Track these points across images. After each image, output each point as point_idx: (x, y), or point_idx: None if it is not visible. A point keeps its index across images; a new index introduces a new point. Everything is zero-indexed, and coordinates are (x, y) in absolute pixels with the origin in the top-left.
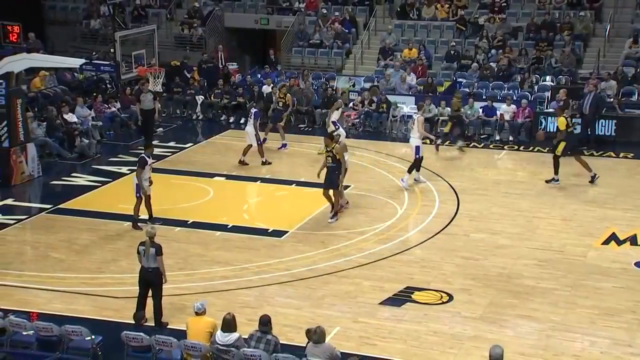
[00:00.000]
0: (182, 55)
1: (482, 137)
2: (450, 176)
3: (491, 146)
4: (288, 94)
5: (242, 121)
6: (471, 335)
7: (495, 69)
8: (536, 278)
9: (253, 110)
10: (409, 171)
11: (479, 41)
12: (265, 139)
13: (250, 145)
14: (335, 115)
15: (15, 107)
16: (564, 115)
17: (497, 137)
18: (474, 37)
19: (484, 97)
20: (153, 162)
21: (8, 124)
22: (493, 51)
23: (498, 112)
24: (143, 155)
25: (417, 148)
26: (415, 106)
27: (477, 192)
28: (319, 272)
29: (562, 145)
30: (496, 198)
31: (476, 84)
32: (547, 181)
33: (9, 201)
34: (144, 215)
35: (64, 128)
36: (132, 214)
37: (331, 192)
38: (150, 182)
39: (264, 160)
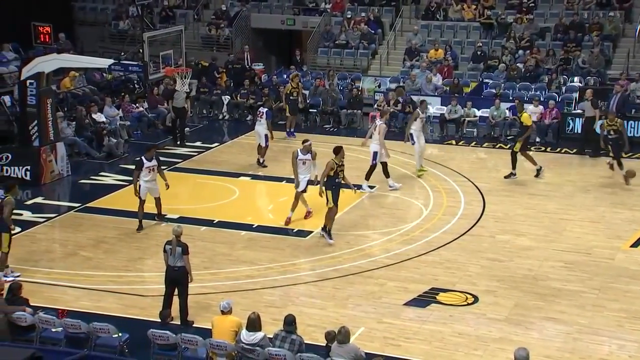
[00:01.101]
0: (211, 56)
1: (508, 138)
2: (476, 177)
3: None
4: (300, 83)
5: (248, 118)
6: (496, 337)
7: (523, 70)
8: (563, 280)
9: (264, 109)
10: (367, 178)
11: (506, 42)
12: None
13: (267, 147)
14: (415, 126)
15: (45, 106)
16: (526, 111)
17: None
18: (501, 38)
19: (511, 98)
20: (154, 166)
21: (38, 123)
22: (520, 52)
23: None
24: (141, 157)
25: (375, 154)
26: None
27: (503, 193)
28: (343, 273)
29: (520, 142)
30: (522, 199)
31: (503, 84)
32: (505, 177)
33: (39, 199)
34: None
35: (93, 128)
36: (141, 218)
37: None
38: (167, 186)
39: (262, 161)
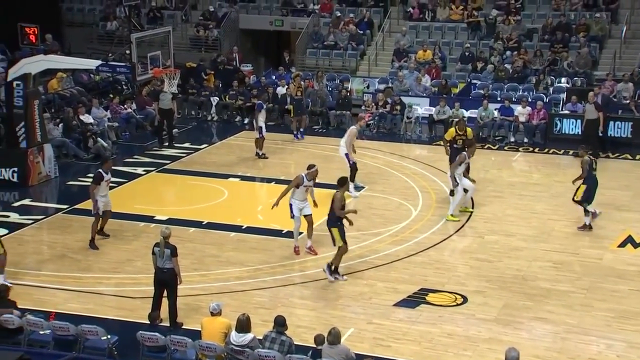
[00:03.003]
0: (199, 57)
1: (496, 138)
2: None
3: (506, 148)
4: (302, 83)
5: (246, 121)
6: (486, 338)
7: (510, 71)
8: (551, 280)
9: (257, 101)
10: (352, 180)
11: (494, 43)
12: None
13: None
14: (460, 170)
15: (32, 108)
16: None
17: (512, 139)
18: (489, 39)
19: (499, 98)
20: (110, 179)
21: (25, 124)
22: (508, 53)
23: (513, 114)
24: (100, 170)
25: (347, 155)
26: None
27: (492, 194)
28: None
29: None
30: (511, 200)
31: (491, 85)
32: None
33: (26, 201)
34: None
35: (80, 129)
36: (93, 235)
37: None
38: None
39: (260, 154)
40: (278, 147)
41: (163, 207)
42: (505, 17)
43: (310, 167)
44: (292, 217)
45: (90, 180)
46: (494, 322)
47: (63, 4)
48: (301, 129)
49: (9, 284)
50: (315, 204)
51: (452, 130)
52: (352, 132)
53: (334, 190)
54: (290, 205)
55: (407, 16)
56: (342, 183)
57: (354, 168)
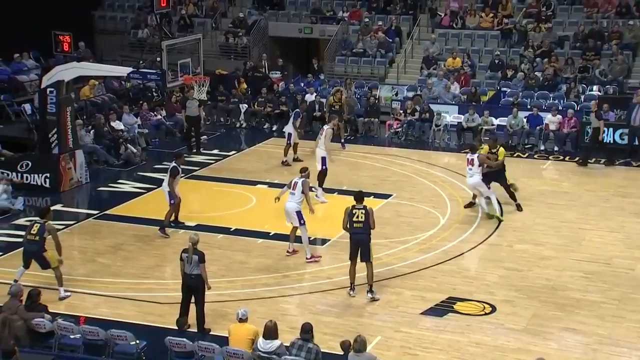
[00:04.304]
0: (229, 65)
1: (526, 147)
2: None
3: (535, 156)
4: (344, 97)
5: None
6: (514, 348)
7: (541, 79)
8: (582, 290)
9: (295, 110)
10: (320, 185)
11: (524, 50)
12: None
13: (289, 145)
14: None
15: (65, 114)
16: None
17: (542, 147)
18: (519, 46)
19: (529, 106)
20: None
21: (58, 131)
22: (538, 60)
23: (543, 122)
24: (175, 165)
25: (323, 159)
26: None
27: (521, 203)
28: (360, 281)
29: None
30: (540, 209)
31: (521, 93)
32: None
33: (58, 207)
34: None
35: (111, 135)
36: (168, 222)
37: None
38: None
39: (285, 161)
40: (306, 154)
41: (191, 213)
42: (536, 25)
43: (303, 170)
44: (303, 223)
45: (167, 178)
46: (523, 332)
47: (96, 12)
48: (342, 140)
49: (65, 294)
50: (312, 210)
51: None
52: (327, 132)
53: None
54: (299, 212)
55: (436, 24)
56: (357, 198)
57: (324, 173)
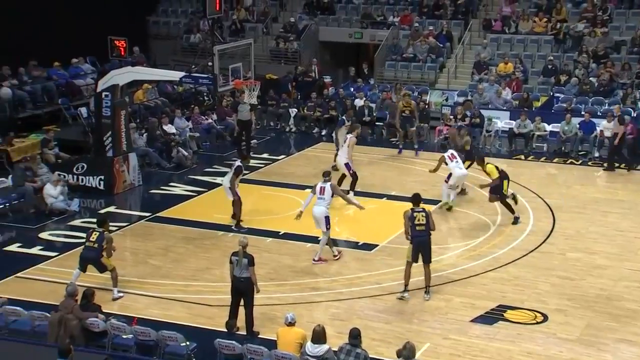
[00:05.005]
0: (279, 69)
1: (580, 153)
2: (545, 193)
3: (589, 163)
4: (412, 101)
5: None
6: (567, 358)
7: (596, 84)
8: (638, 301)
9: (340, 118)
10: (352, 189)
11: (579, 55)
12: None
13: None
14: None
15: (119, 118)
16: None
17: (596, 154)
18: (573, 52)
19: (583, 112)
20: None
21: (112, 134)
22: (593, 65)
23: (598, 129)
24: (239, 164)
25: (347, 165)
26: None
27: (574, 210)
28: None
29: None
30: (594, 217)
31: (575, 99)
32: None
33: (112, 209)
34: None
35: (163, 139)
36: (234, 219)
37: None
38: None
39: (334, 165)
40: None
41: (241, 216)
42: (592, 29)
43: (326, 174)
44: (329, 229)
45: (231, 175)
46: (576, 343)
47: (150, 17)
48: (415, 145)
49: (118, 295)
50: (361, 206)
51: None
52: (351, 141)
53: (406, 204)
54: (328, 217)
55: (488, 28)
56: (414, 201)
57: (355, 177)
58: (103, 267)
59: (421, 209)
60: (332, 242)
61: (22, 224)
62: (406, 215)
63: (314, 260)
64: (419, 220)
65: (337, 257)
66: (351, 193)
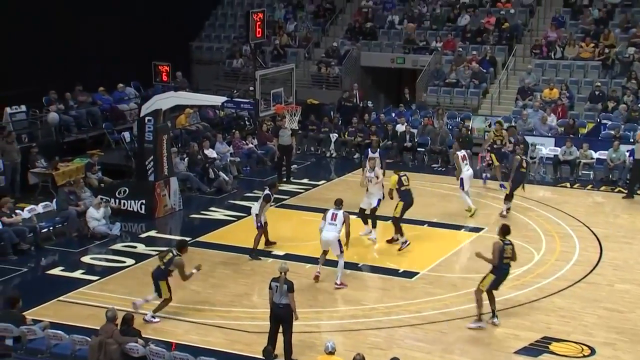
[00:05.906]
0: (320, 95)
1: (628, 182)
2: (592, 222)
3: (638, 192)
4: (504, 131)
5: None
6: None
7: None
8: None
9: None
10: (374, 226)
11: (627, 82)
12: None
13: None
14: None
15: (161, 142)
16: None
17: None
18: (622, 78)
19: (631, 140)
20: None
21: (154, 158)
22: None
23: None
24: (269, 192)
25: (379, 201)
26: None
27: (622, 240)
28: (450, 316)
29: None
30: None
31: (622, 126)
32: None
33: (152, 233)
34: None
35: (204, 163)
36: (256, 246)
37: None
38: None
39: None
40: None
41: (280, 242)
42: None
43: (339, 202)
44: (343, 251)
45: (260, 201)
46: None
47: (193, 42)
48: (502, 183)
49: (150, 318)
50: (347, 246)
51: None
52: (379, 173)
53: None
54: (340, 241)
55: (533, 54)
56: (505, 232)
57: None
58: (159, 291)
59: (509, 241)
60: (321, 261)
61: (65, 247)
62: (497, 247)
63: (336, 284)
64: (507, 253)
65: (317, 277)
66: (370, 226)
